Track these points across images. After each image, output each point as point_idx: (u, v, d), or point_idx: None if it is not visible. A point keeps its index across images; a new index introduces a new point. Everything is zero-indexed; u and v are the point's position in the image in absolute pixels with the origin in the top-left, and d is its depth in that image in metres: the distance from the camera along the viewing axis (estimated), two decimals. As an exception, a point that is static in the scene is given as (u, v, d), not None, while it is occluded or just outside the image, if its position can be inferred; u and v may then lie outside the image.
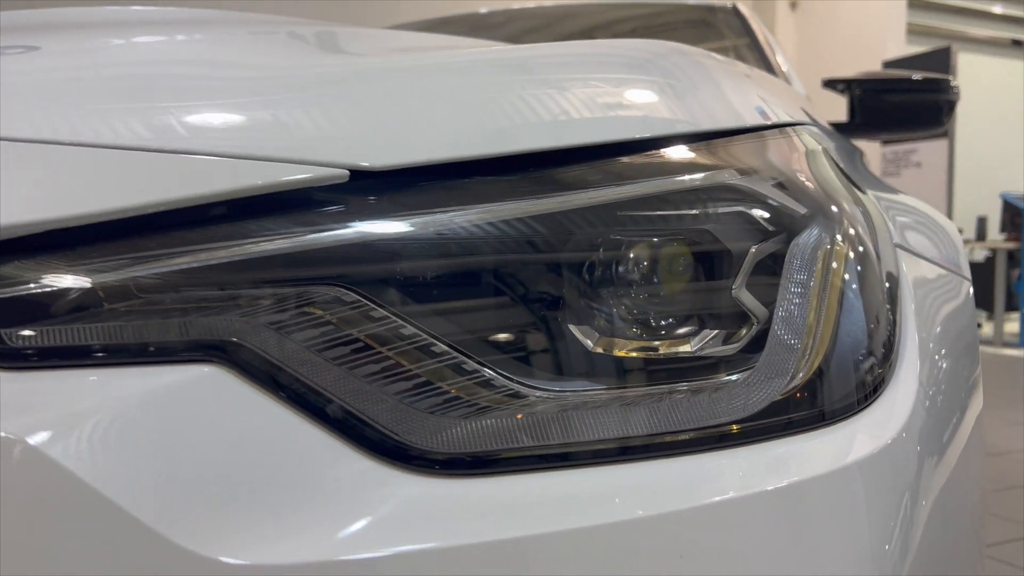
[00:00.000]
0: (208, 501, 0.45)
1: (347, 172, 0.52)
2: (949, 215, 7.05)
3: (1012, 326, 7.46)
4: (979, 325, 7.75)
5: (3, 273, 0.47)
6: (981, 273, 7.65)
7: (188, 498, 0.44)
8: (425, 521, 0.48)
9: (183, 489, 0.44)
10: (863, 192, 0.77)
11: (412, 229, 0.54)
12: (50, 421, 0.43)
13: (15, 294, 0.47)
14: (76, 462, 0.42)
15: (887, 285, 0.68)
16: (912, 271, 0.72)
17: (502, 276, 0.57)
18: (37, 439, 0.42)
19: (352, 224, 0.53)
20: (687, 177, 0.62)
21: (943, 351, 0.71)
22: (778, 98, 1.02)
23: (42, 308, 0.47)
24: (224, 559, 0.43)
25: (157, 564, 0.42)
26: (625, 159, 0.62)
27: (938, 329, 0.72)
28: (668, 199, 0.61)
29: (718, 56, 1.07)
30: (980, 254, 8.19)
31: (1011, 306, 7.53)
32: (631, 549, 0.51)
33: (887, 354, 0.65)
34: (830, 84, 2.23)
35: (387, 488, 0.49)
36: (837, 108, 2.13)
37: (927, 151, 7.10)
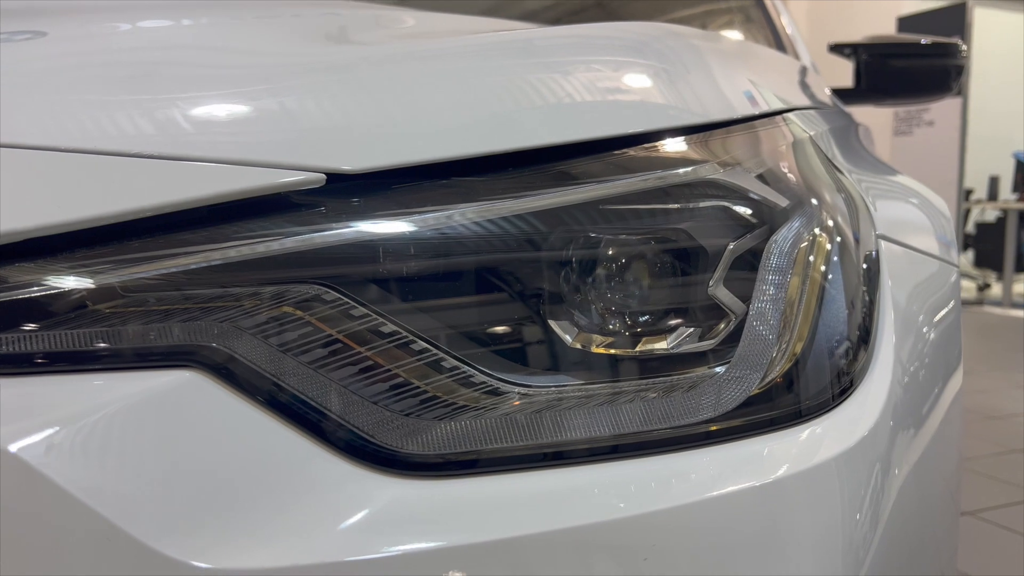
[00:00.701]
0: (186, 506, 0.46)
1: (323, 176, 0.52)
2: (961, 175, 7.00)
3: (1021, 287, 7.44)
4: (987, 285, 7.73)
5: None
6: (992, 233, 7.60)
7: (166, 503, 0.46)
8: (403, 524, 0.50)
9: (161, 494, 0.46)
10: (848, 181, 0.77)
11: (390, 229, 0.54)
12: (29, 429, 0.44)
13: (6, 299, 0.48)
14: (54, 468, 0.43)
15: (866, 278, 0.69)
16: (894, 262, 0.73)
17: (480, 274, 0.58)
18: (17, 445, 0.43)
19: (331, 226, 0.53)
20: (666, 173, 0.62)
21: (921, 342, 0.71)
22: (771, 78, 1.01)
23: (30, 313, 0.49)
24: (200, 564, 0.44)
25: (135, 569, 0.43)
26: (605, 156, 0.62)
27: (918, 320, 0.72)
28: (646, 196, 0.61)
29: (712, 34, 1.06)
30: (991, 214, 8.12)
31: (1020, 267, 7.49)
32: (607, 549, 0.52)
33: (863, 349, 0.65)
34: (836, 48, 2.20)
35: (366, 491, 0.50)
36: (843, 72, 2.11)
37: (940, 110, 7.01)
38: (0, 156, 0.48)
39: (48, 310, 0.49)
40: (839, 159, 0.88)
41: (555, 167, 0.60)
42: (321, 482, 0.50)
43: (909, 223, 0.84)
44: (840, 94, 1.98)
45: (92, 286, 0.49)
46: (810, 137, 0.78)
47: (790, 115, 0.87)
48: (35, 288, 0.49)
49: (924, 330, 0.74)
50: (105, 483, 0.44)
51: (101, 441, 0.45)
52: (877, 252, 0.72)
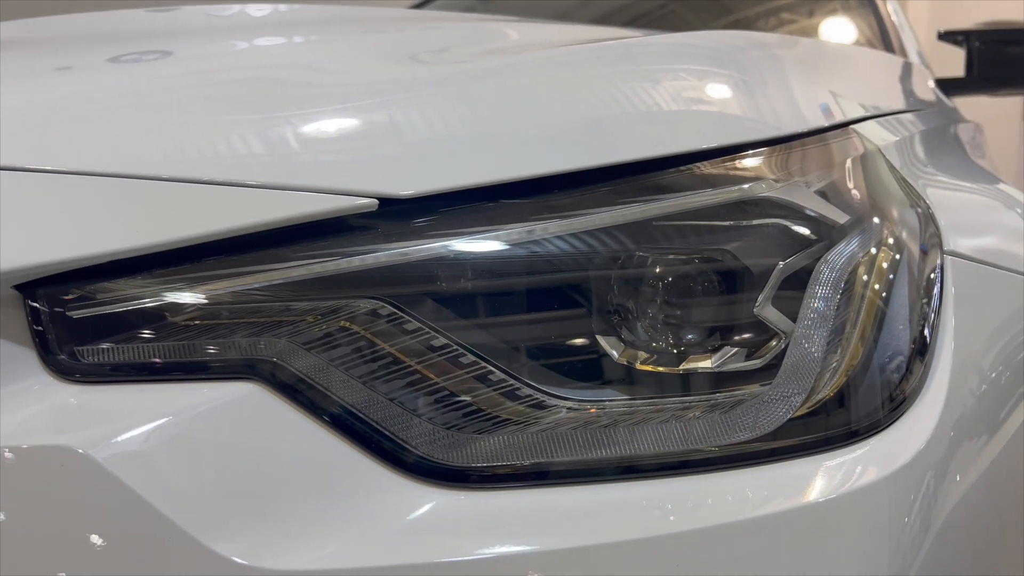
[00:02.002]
0: (241, 509, 0.50)
1: (376, 201, 0.55)
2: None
3: None
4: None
5: (79, 295, 0.54)
6: None
7: (224, 506, 0.50)
8: (444, 533, 0.53)
9: (220, 498, 0.50)
10: (917, 193, 0.76)
11: (442, 248, 0.57)
12: (106, 434, 0.49)
13: (90, 314, 0.54)
14: (124, 470, 0.48)
15: (927, 295, 0.68)
16: (962, 277, 0.71)
17: (529, 290, 0.60)
18: (93, 448, 0.48)
19: (385, 246, 0.56)
20: (717, 191, 0.62)
21: (984, 364, 0.69)
22: (856, 84, 0.99)
23: (111, 327, 0.54)
24: (253, 564, 0.48)
25: (191, 567, 0.48)
26: (659, 175, 0.63)
27: (983, 340, 0.71)
28: (696, 214, 0.62)
29: (798, 41, 1.04)
30: None
31: None
32: (644, 566, 0.54)
33: (919, 366, 0.64)
34: (947, 36, 2.10)
35: (411, 500, 0.53)
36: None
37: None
38: (91, 184, 0.53)
39: (126, 323, 0.54)
40: (917, 168, 0.86)
41: (603, 187, 0.61)
42: (368, 490, 0.53)
43: (987, 235, 0.82)
44: (950, 85, 1.90)
45: (167, 302, 0.54)
46: (879, 149, 0.77)
47: (867, 123, 0.86)
48: (117, 304, 0.54)
49: (994, 344, 0.72)
50: (169, 485, 0.49)
51: (168, 447, 0.50)
52: (942, 267, 0.70)
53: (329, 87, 0.65)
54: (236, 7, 1.14)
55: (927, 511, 0.60)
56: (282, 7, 1.13)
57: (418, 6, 2.44)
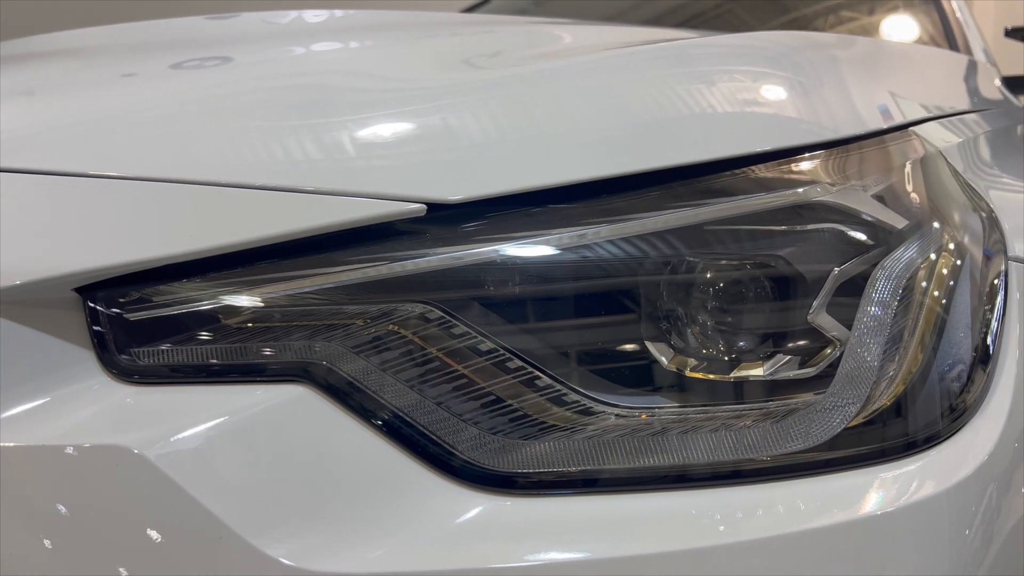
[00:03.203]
0: (290, 512, 0.51)
1: (424, 206, 0.55)
2: None
3: None
4: None
5: (136, 298, 0.55)
6: None
7: (273, 508, 0.51)
8: (491, 539, 0.53)
9: (269, 500, 0.51)
10: (979, 197, 0.73)
11: (490, 253, 0.57)
12: (161, 434, 0.50)
13: (146, 316, 0.55)
14: (177, 470, 0.49)
15: (989, 301, 0.66)
16: (1027, 286, 0.69)
17: (577, 295, 0.59)
18: (147, 448, 0.49)
19: (435, 251, 0.57)
20: (771, 196, 0.61)
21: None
22: (917, 85, 0.97)
23: (166, 329, 0.55)
24: (301, 566, 0.49)
25: (240, 568, 0.48)
26: (712, 178, 0.62)
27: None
28: (749, 219, 0.61)
29: (856, 41, 1.02)
30: None
31: None
32: None
33: (981, 376, 0.62)
34: (1014, 33, 2.05)
35: (458, 506, 0.54)
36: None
37: None
38: (148, 189, 0.55)
39: (182, 326, 0.55)
40: (981, 170, 0.83)
41: (655, 191, 0.60)
42: (415, 495, 0.53)
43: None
44: (1019, 83, 1.84)
45: (221, 304, 0.55)
46: (940, 151, 0.74)
47: (929, 124, 0.83)
48: (173, 307, 0.55)
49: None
50: (221, 486, 0.50)
51: (220, 448, 0.51)
52: (1006, 274, 0.68)
53: (378, 93, 0.65)
54: (293, 13, 1.15)
55: (989, 525, 0.59)
56: (338, 13, 1.15)
57: (472, 9, 2.45)
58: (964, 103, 1.13)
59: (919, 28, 1.94)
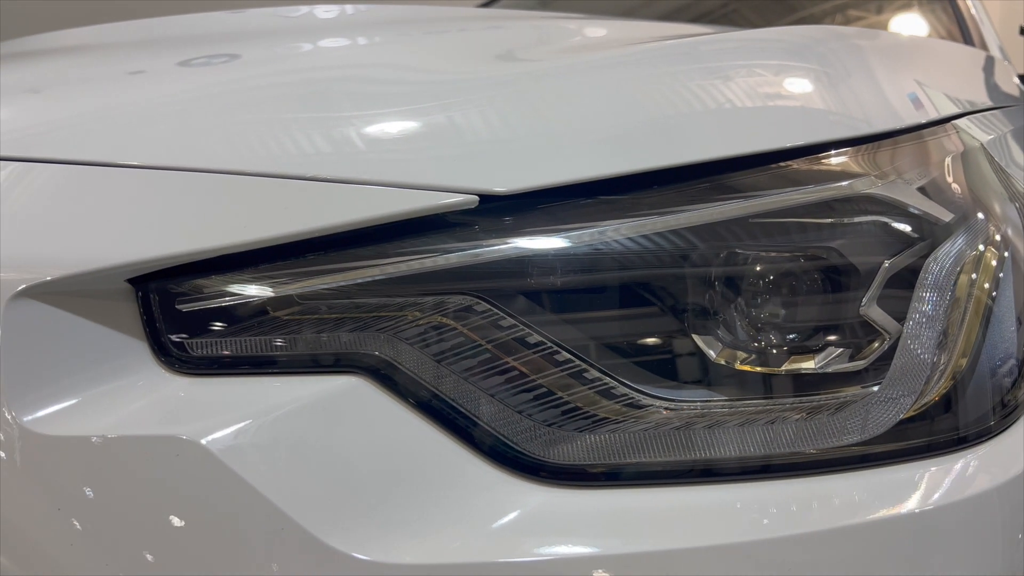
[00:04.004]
0: (349, 502, 0.51)
1: (476, 198, 0.55)
2: None
3: None
4: None
5: (188, 289, 0.55)
6: None
7: (332, 498, 0.50)
8: (546, 530, 0.52)
9: (328, 490, 0.50)
10: (1022, 190, 0.73)
11: (540, 245, 0.57)
12: (218, 425, 0.50)
13: (199, 308, 0.55)
14: (237, 461, 0.49)
15: (1039, 297, 0.65)
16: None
17: (626, 288, 0.59)
18: (207, 439, 0.49)
19: (484, 242, 0.56)
20: (819, 188, 0.61)
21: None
22: (944, 78, 0.96)
23: (219, 320, 0.55)
24: (361, 556, 0.49)
25: (302, 558, 0.48)
26: (758, 170, 0.61)
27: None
28: (798, 211, 0.60)
29: (880, 33, 1.02)
30: None
31: None
32: (753, 571, 0.53)
33: None
34: (1029, 31, 2.04)
35: (512, 497, 0.53)
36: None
37: None
38: (201, 181, 0.54)
39: (234, 317, 0.54)
40: (1013, 166, 0.83)
41: (703, 182, 0.60)
42: (470, 486, 0.53)
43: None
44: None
45: (272, 296, 0.55)
46: (982, 145, 0.74)
47: (962, 120, 0.83)
48: (225, 298, 0.54)
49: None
50: (279, 477, 0.49)
51: (277, 439, 0.50)
52: (1052, 267, 0.68)
53: (428, 85, 0.65)
54: (335, 8, 1.15)
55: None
56: (348, 9, 1.14)
57: (487, 4, 2.44)
58: (988, 99, 1.13)
59: (933, 25, 1.93)
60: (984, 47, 1.78)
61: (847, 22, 2.10)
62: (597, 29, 1.02)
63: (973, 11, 1.96)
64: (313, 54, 0.79)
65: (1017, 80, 1.63)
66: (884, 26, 2.04)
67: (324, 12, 1.06)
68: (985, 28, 1.91)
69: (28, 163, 0.55)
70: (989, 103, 1.11)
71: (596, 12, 2.11)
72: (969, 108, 0.90)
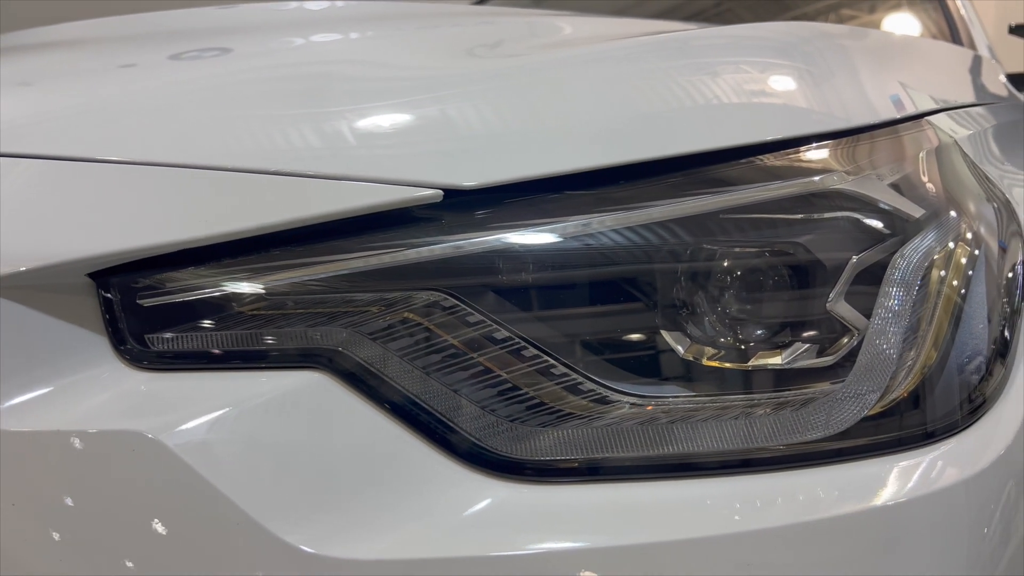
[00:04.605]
0: (307, 497, 0.50)
1: (440, 192, 0.55)
2: None
3: None
4: None
5: (150, 284, 0.54)
6: None
7: (291, 494, 0.50)
8: (507, 526, 0.52)
9: (286, 485, 0.50)
10: (996, 187, 0.73)
11: (506, 240, 0.56)
12: (176, 420, 0.50)
13: (160, 302, 0.54)
14: (194, 456, 0.49)
15: (1008, 291, 0.65)
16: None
17: (593, 283, 0.59)
18: (164, 434, 0.49)
19: (449, 237, 0.56)
20: (788, 183, 0.61)
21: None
22: (926, 75, 0.96)
23: (179, 316, 0.54)
24: (318, 552, 0.48)
25: (258, 552, 0.48)
26: (727, 165, 0.61)
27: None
28: (766, 207, 0.60)
29: (864, 31, 1.02)
30: None
31: None
32: (713, 567, 0.53)
33: (999, 366, 0.62)
34: (1018, 30, 2.04)
35: (473, 492, 0.53)
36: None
37: None
38: (161, 175, 0.54)
39: (196, 312, 0.54)
40: (992, 163, 0.83)
41: (671, 177, 0.60)
42: (433, 481, 0.53)
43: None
44: (1019, 80, 1.84)
45: (235, 291, 0.55)
46: (955, 141, 0.74)
47: (940, 116, 0.83)
48: (186, 292, 0.54)
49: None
50: (237, 473, 0.49)
51: (236, 434, 0.50)
52: (1023, 263, 0.67)
53: (392, 81, 0.65)
54: (293, 4, 1.15)
55: (1008, 521, 0.58)
56: (339, 3, 1.14)
57: (478, 2, 2.44)
58: (973, 96, 1.13)
59: (923, 24, 1.94)
60: (972, 46, 1.78)
61: (843, 19, 2.10)
62: (571, 27, 1.02)
63: (963, 11, 1.96)
64: (283, 51, 0.78)
65: (1003, 78, 1.63)
66: (875, 25, 2.04)
67: (295, 8, 1.06)
68: (974, 27, 1.91)
69: None
70: (971, 100, 1.11)
71: (587, 10, 2.11)
72: (947, 105, 0.90)
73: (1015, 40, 2.10)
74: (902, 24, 2.01)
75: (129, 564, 0.48)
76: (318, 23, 0.99)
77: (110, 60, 0.81)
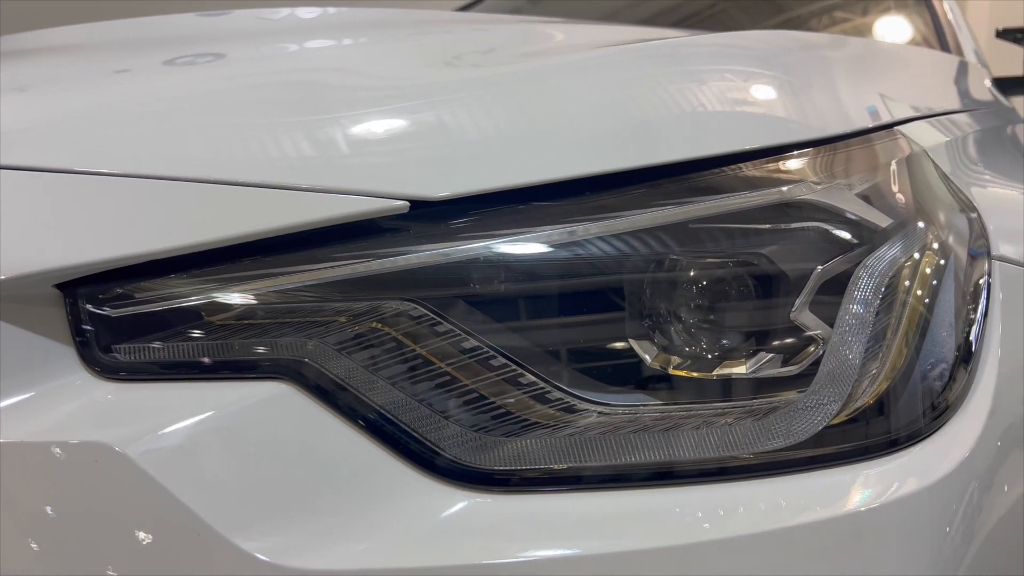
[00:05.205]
0: (270, 508, 0.51)
1: (407, 203, 0.55)
2: None
3: None
4: None
5: (117, 294, 0.55)
6: None
7: (253, 505, 0.50)
8: (470, 536, 0.53)
9: (249, 496, 0.51)
10: (965, 197, 0.74)
11: (474, 250, 0.57)
12: (140, 431, 0.50)
13: (127, 313, 0.55)
14: (157, 466, 0.49)
15: (973, 301, 0.66)
16: (1011, 285, 0.69)
17: (561, 293, 0.59)
18: (128, 446, 0.49)
19: (418, 248, 0.56)
20: (755, 194, 0.61)
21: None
22: (906, 84, 0.97)
23: (146, 326, 0.55)
24: (280, 563, 0.49)
25: (219, 563, 0.48)
26: (695, 176, 0.62)
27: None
28: (733, 217, 0.61)
29: (846, 41, 1.02)
30: None
31: None
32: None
33: (963, 374, 0.62)
34: (1005, 34, 2.05)
35: (442, 503, 0.54)
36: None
37: None
38: (130, 185, 0.54)
39: (162, 322, 0.55)
40: (968, 170, 0.84)
41: (639, 189, 0.60)
42: (396, 492, 0.53)
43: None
44: (1008, 84, 1.85)
45: (202, 301, 0.55)
46: (926, 151, 0.75)
47: (917, 124, 0.83)
48: (153, 303, 0.55)
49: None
50: (200, 483, 0.50)
51: (201, 445, 0.50)
52: (990, 273, 0.68)
53: (363, 91, 0.65)
54: (285, 11, 1.15)
55: (970, 522, 0.59)
56: (331, 10, 1.15)
57: (466, 8, 2.45)
58: (952, 103, 1.14)
59: (911, 29, 1.94)
60: (959, 51, 1.78)
61: (830, 24, 2.10)
62: (559, 33, 1.02)
63: (950, 16, 1.97)
64: (253, 60, 0.79)
65: (989, 83, 1.64)
66: (864, 30, 2.05)
67: (272, 15, 1.07)
68: (961, 32, 1.91)
69: None
70: (952, 108, 1.11)
71: (581, 15, 2.12)
72: (926, 113, 0.91)
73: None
74: (890, 28, 2.02)
75: (88, 573, 0.49)
76: (294, 31, 0.99)
77: (96, 67, 0.82)
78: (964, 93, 1.29)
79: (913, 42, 1.86)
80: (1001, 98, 1.62)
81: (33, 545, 0.50)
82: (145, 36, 1.02)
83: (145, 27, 1.03)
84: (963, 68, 1.48)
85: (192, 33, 1.03)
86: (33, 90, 0.71)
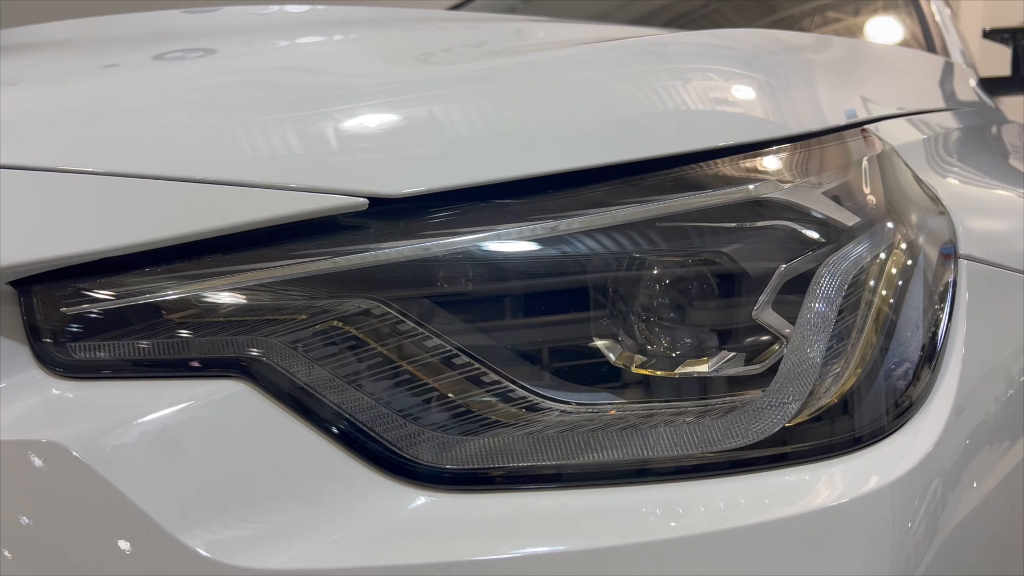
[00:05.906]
0: (222, 507, 0.50)
1: (366, 200, 0.55)
2: None
3: None
4: None
5: (72, 292, 0.54)
6: None
7: (204, 503, 0.50)
8: (435, 535, 0.52)
9: (200, 495, 0.50)
10: (933, 196, 0.73)
11: (435, 248, 0.57)
12: (93, 429, 0.50)
13: (82, 311, 0.55)
14: (106, 465, 0.49)
15: (939, 300, 0.65)
16: (977, 284, 0.68)
17: (524, 292, 0.59)
18: (76, 443, 0.49)
19: (376, 246, 0.56)
20: (720, 192, 0.61)
21: (999, 370, 0.67)
22: (886, 83, 0.97)
23: (101, 324, 0.54)
24: (232, 562, 0.48)
25: (168, 562, 0.48)
26: (660, 174, 0.62)
27: (997, 346, 0.68)
28: (697, 215, 0.60)
29: (827, 40, 1.02)
30: None
31: None
32: (634, 574, 0.53)
33: (927, 372, 0.62)
34: (992, 34, 2.05)
35: (399, 502, 0.53)
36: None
37: None
38: (84, 182, 0.54)
39: (118, 320, 0.54)
40: (942, 169, 0.83)
41: (602, 187, 0.60)
42: (350, 491, 0.53)
43: (1007, 239, 0.78)
44: (996, 84, 1.85)
45: (159, 300, 0.55)
46: (895, 149, 0.74)
47: (893, 122, 0.83)
48: (109, 301, 0.54)
49: (1010, 349, 0.69)
50: (152, 482, 0.49)
51: (153, 444, 0.50)
52: (956, 272, 0.68)
53: (322, 88, 0.65)
54: (273, 8, 1.14)
55: (934, 518, 0.59)
56: (297, 8, 1.14)
57: (457, 7, 2.45)
58: (931, 103, 1.14)
59: (898, 30, 1.94)
60: (945, 52, 1.78)
61: (818, 25, 2.10)
62: (542, 32, 1.02)
63: (937, 17, 1.97)
64: (212, 59, 0.78)
65: (974, 83, 1.64)
66: (852, 31, 2.05)
67: (224, 13, 1.07)
68: (948, 33, 1.91)
69: None
70: (933, 107, 1.11)
71: (572, 15, 2.11)
72: (901, 112, 0.91)
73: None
74: (877, 29, 2.02)
75: (39, 572, 0.48)
76: (257, 29, 0.99)
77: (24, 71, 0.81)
78: (946, 93, 1.29)
79: (900, 43, 1.86)
80: (986, 98, 1.62)
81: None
82: (101, 35, 1.02)
83: (88, 27, 1.03)
84: (947, 68, 1.48)
85: (159, 31, 1.02)
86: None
